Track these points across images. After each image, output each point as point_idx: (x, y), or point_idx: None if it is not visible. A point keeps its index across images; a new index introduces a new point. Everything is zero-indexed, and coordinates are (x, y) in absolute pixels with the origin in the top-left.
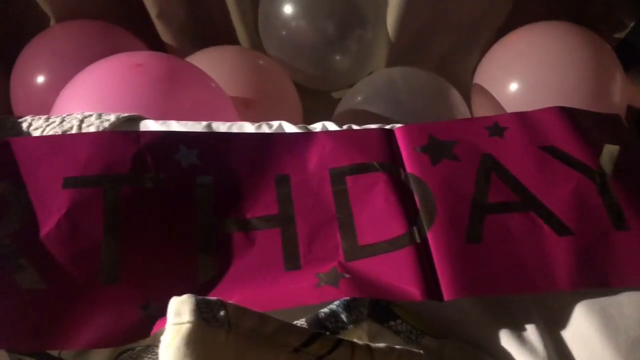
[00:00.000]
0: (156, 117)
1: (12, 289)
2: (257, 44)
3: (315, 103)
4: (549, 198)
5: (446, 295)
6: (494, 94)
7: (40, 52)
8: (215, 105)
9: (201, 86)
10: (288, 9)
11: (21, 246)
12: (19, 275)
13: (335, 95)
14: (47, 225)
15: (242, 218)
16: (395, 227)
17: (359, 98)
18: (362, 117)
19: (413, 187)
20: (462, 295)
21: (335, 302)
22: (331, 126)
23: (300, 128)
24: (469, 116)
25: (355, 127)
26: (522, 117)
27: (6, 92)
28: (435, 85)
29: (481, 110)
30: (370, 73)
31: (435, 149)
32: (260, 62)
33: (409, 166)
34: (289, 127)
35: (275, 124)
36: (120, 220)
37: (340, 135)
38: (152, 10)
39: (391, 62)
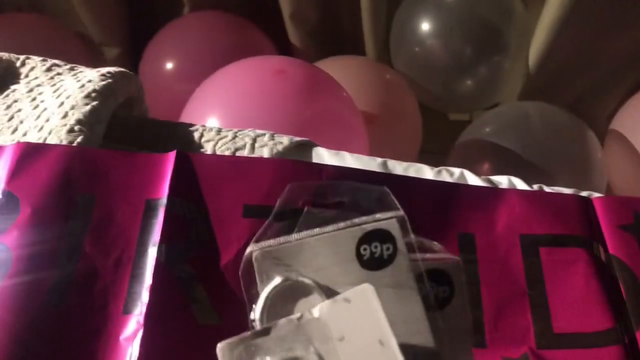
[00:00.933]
0: (294, 126)
1: (189, 322)
2: (383, 56)
3: (430, 122)
4: None
5: None
6: (632, 142)
7: (171, 40)
8: (347, 117)
9: (336, 98)
10: (425, 26)
11: (199, 274)
12: (195, 307)
13: (452, 117)
14: (227, 254)
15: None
16: (600, 319)
17: (487, 129)
18: (489, 149)
19: (617, 272)
20: None
21: None
22: (519, 183)
23: (484, 180)
24: (604, 163)
25: (546, 188)
26: None
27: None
28: (572, 125)
29: (615, 159)
30: (497, 104)
31: None
32: (388, 76)
33: (612, 246)
34: (472, 178)
35: (456, 171)
36: None
37: (532, 197)
38: (285, 10)
39: (523, 96)
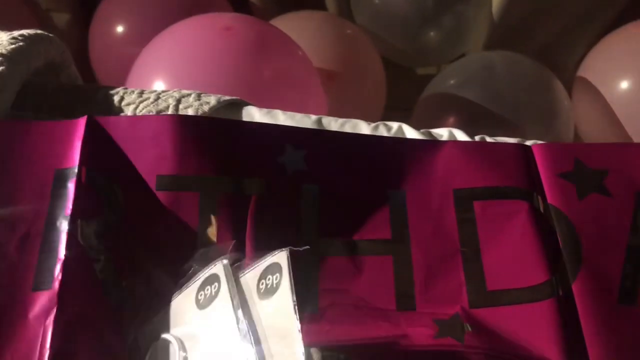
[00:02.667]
0: (241, 86)
1: (101, 299)
2: (344, 11)
3: (398, 78)
4: None
5: None
6: (600, 90)
7: (120, 2)
8: (302, 77)
9: (289, 56)
10: None
11: (112, 249)
12: (106, 284)
13: (420, 71)
14: (140, 230)
15: (349, 239)
16: (534, 273)
17: (452, 81)
18: (454, 102)
19: (555, 222)
20: None
21: None
22: (460, 134)
23: (422, 134)
24: (572, 112)
25: (488, 139)
26: None
27: (85, 38)
28: (538, 74)
29: (583, 106)
30: (462, 55)
31: (582, 178)
32: (348, 31)
33: (550, 196)
34: (410, 132)
35: (394, 125)
36: (216, 234)
37: (469, 149)
38: None
39: (488, 46)
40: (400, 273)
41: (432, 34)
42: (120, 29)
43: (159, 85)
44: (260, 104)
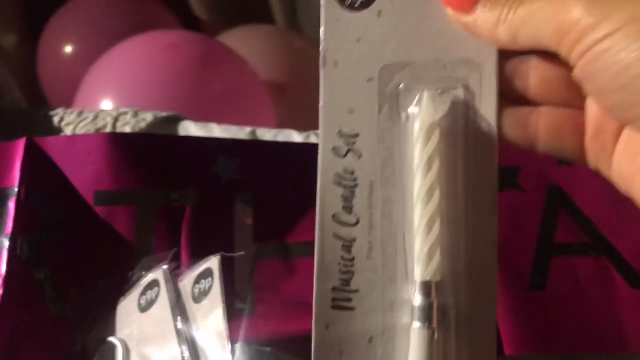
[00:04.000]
0: (188, 102)
1: (43, 314)
2: (293, 24)
3: None
4: (624, 243)
5: (507, 349)
6: None
7: (69, 20)
8: (249, 92)
9: (235, 71)
10: None
11: (53, 265)
12: (49, 299)
13: None
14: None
15: (282, 243)
16: None
17: None
18: None
19: None
20: (525, 350)
21: None
22: None
23: None
24: None
25: None
26: None
27: (33, 59)
28: None
29: None
30: None
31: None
32: (296, 43)
33: None
34: None
35: None
36: (153, 244)
37: None
38: None
39: None
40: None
41: None
42: (68, 48)
43: (106, 103)
44: (207, 118)
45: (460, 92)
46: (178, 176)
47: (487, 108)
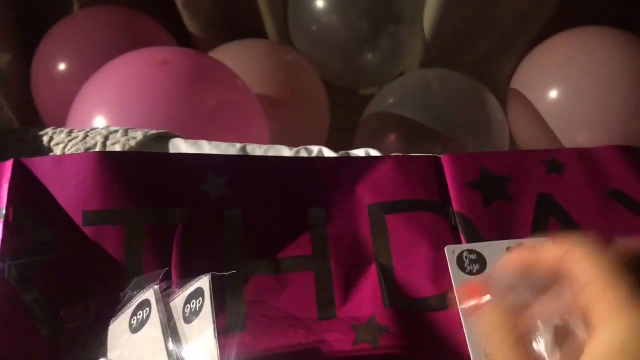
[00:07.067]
0: (181, 118)
1: (32, 335)
2: (286, 38)
3: (341, 100)
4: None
5: None
6: (531, 100)
7: (62, 39)
8: (242, 106)
9: (228, 85)
10: (320, 3)
11: (42, 287)
12: (38, 320)
13: (363, 92)
14: (69, 267)
15: (273, 258)
16: (444, 281)
17: (390, 100)
18: (392, 120)
19: (461, 228)
20: None
21: None
22: (374, 153)
23: (342, 154)
24: (505, 123)
25: (400, 155)
26: (582, 154)
27: (27, 78)
28: (471, 89)
29: (517, 116)
30: (402, 73)
31: (487, 185)
32: (288, 57)
33: (457, 203)
34: (329, 154)
35: (314, 149)
36: (143, 263)
37: (382, 165)
38: None
39: (425, 63)
40: (321, 286)
41: (369, 55)
42: (62, 66)
43: (99, 120)
44: (201, 134)
45: (559, 321)
46: (167, 194)
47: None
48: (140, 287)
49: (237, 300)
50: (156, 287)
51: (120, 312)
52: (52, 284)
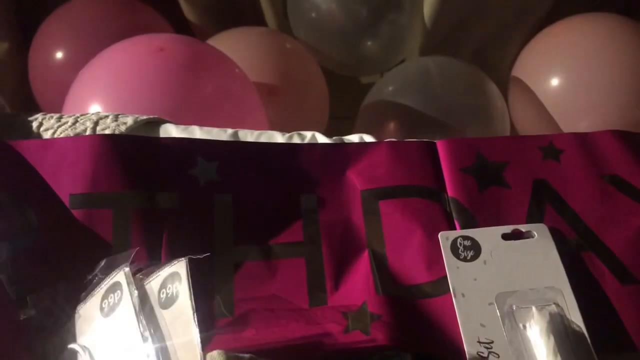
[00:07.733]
0: (178, 106)
1: (14, 320)
2: (284, 26)
3: (341, 89)
4: (611, 237)
5: None
6: (533, 88)
7: (59, 26)
8: (239, 93)
9: (225, 73)
10: None
11: (25, 272)
12: (20, 304)
13: (363, 80)
14: (54, 252)
15: (264, 244)
16: (438, 268)
17: (390, 88)
18: (393, 109)
19: (455, 215)
20: None
21: None
22: (368, 139)
23: (335, 140)
24: (506, 111)
25: (394, 140)
26: (580, 139)
27: (24, 66)
28: (472, 77)
29: (518, 104)
30: (403, 61)
31: (483, 171)
32: (287, 45)
33: (452, 189)
34: (323, 139)
35: (308, 134)
36: (130, 247)
37: (376, 150)
38: None
39: (425, 51)
40: (313, 272)
41: (369, 43)
42: (59, 54)
43: (94, 107)
44: (196, 123)
45: (553, 308)
46: (156, 178)
47: (575, 316)
48: (110, 269)
49: (227, 287)
50: (127, 269)
51: (89, 296)
52: (35, 268)
